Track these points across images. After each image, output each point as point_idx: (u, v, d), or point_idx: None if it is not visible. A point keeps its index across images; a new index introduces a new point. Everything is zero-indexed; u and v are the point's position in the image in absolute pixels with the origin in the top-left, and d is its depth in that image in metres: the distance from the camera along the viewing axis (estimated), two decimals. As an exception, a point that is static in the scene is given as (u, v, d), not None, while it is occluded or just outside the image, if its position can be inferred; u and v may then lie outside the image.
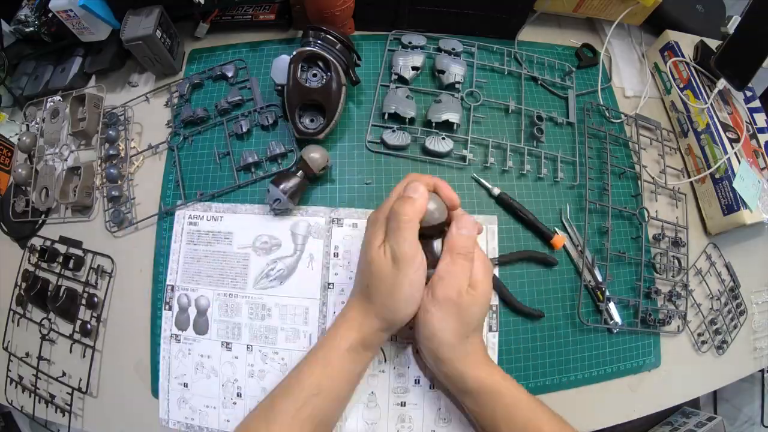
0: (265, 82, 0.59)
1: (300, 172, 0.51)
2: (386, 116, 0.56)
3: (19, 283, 0.55)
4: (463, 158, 0.55)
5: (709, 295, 0.58)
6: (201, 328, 0.50)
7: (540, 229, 0.53)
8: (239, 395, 0.49)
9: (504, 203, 0.54)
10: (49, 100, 0.60)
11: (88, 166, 0.56)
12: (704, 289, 0.58)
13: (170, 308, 0.51)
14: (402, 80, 0.59)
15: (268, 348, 0.49)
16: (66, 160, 0.58)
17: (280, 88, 0.52)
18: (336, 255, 0.51)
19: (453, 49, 0.60)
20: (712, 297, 0.58)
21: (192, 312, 0.51)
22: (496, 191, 0.54)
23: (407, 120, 0.56)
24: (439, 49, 0.61)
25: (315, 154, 0.50)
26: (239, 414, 0.48)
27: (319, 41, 0.51)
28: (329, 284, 0.50)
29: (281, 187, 0.49)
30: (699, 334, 0.56)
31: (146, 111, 0.60)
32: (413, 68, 0.59)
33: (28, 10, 0.59)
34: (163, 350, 0.50)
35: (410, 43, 0.61)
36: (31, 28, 0.59)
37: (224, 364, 0.49)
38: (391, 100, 0.56)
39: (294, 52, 0.50)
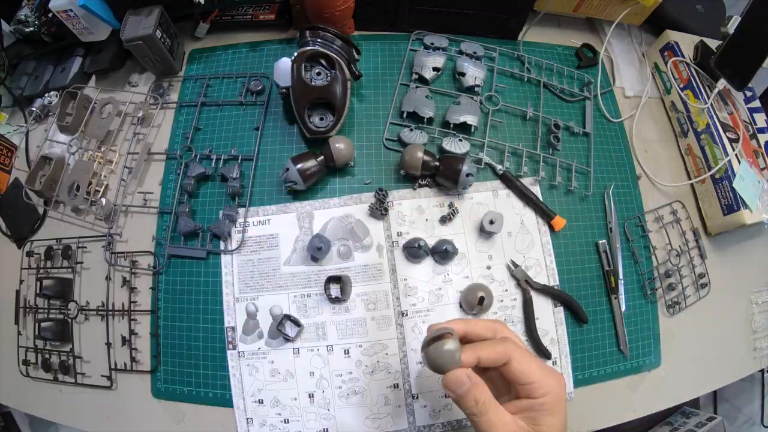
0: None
1: (321, 158, 0.51)
2: (405, 115, 0.56)
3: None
4: (479, 161, 0.56)
5: (667, 246, 0.58)
6: (277, 334, 0.49)
7: (542, 208, 0.54)
8: (356, 392, 0.49)
9: (507, 181, 0.55)
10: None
11: (60, 159, 0.55)
12: (663, 238, 0.58)
13: (234, 348, 0.50)
14: (422, 80, 0.59)
15: (357, 340, 0.50)
16: (74, 153, 0.57)
17: (284, 90, 0.52)
18: (399, 234, 0.52)
19: (474, 52, 0.60)
20: (671, 250, 0.58)
21: (263, 320, 0.50)
22: (500, 169, 0.55)
23: (425, 120, 0.56)
24: (460, 52, 0.61)
25: (340, 145, 0.51)
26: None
27: (318, 40, 0.51)
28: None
29: (299, 166, 0.50)
30: (650, 279, 0.56)
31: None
32: (434, 69, 0.59)
33: (28, 10, 0.59)
34: (231, 368, 0.49)
35: (432, 44, 0.61)
36: (31, 28, 0.59)
37: (315, 368, 0.49)
38: (411, 99, 0.56)
39: (296, 53, 0.50)
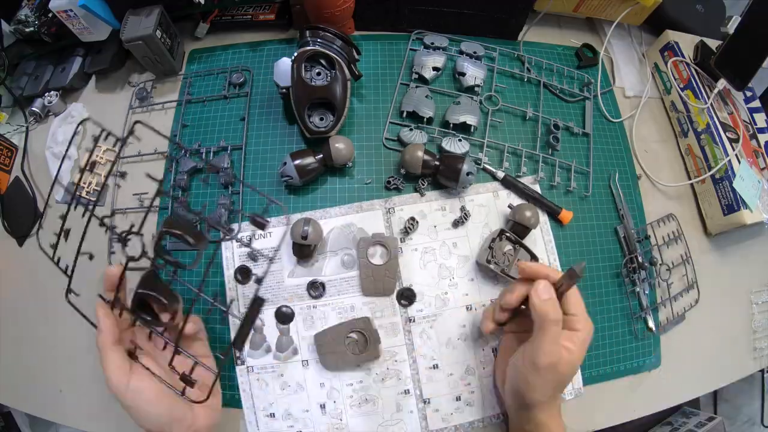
0: (266, 83, 0.59)
1: (320, 156, 0.51)
2: (404, 114, 0.56)
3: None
4: (479, 161, 0.55)
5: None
6: (285, 346, 0.49)
7: (547, 205, 0.55)
8: (367, 400, 0.49)
9: (509, 184, 0.55)
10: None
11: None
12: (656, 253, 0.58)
13: (243, 363, 0.49)
14: (422, 80, 0.59)
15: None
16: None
17: (284, 90, 0.52)
18: (402, 240, 0.52)
19: (474, 52, 0.60)
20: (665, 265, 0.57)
21: (270, 333, 0.50)
22: (501, 174, 0.55)
23: (425, 119, 0.56)
24: (460, 52, 0.61)
25: (340, 145, 0.51)
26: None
27: (318, 39, 0.51)
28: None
29: (296, 162, 0.50)
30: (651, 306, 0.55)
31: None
32: (434, 69, 0.59)
33: (28, 10, 0.59)
34: (241, 383, 0.49)
35: (432, 43, 0.61)
36: (31, 28, 0.59)
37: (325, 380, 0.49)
38: (411, 98, 0.56)
39: (296, 53, 0.50)
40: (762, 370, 0.68)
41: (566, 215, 0.54)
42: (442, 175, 0.52)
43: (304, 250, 0.49)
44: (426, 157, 0.51)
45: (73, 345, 0.52)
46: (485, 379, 0.50)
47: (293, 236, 0.48)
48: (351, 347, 0.48)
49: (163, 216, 0.54)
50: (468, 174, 0.51)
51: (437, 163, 0.52)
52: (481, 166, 0.56)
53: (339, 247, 0.52)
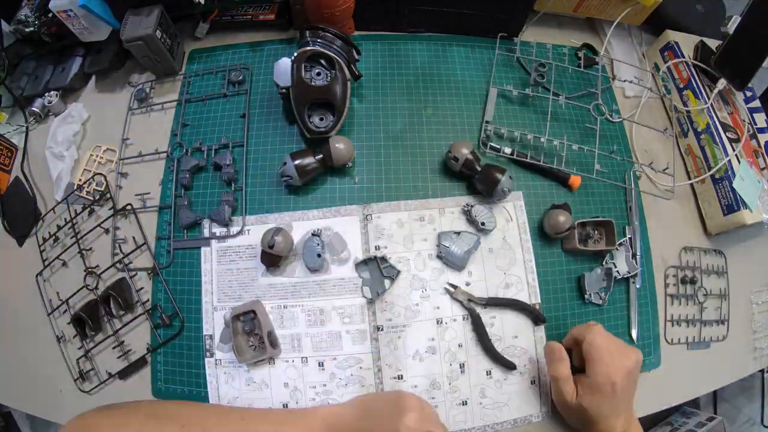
0: (266, 83, 0.59)
1: (320, 156, 0.51)
2: None
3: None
4: (498, 149, 0.56)
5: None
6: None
7: (556, 173, 0.56)
8: (329, 404, 0.48)
9: (517, 161, 0.56)
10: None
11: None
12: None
13: (212, 355, 0.50)
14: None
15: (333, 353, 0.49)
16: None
17: (284, 91, 0.52)
18: (377, 248, 0.52)
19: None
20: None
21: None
22: (508, 150, 0.56)
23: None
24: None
25: (340, 145, 0.51)
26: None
27: (318, 40, 0.51)
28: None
29: (296, 162, 0.50)
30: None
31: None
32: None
33: (28, 10, 0.59)
34: (209, 375, 0.49)
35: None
36: (31, 28, 0.59)
37: (289, 379, 0.49)
38: None
39: (296, 53, 0.50)
40: (762, 370, 0.68)
41: (575, 180, 0.55)
42: (479, 182, 0.52)
43: (272, 259, 0.49)
44: (470, 157, 0.51)
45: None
46: (450, 395, 0.49)
47: (262, 244, 0.48)
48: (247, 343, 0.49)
49: (163, 216, 0.54)
50: (503, 190, 0.51)
51: (478, 167, 0.52)
52: (487, 148, 0.56)
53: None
